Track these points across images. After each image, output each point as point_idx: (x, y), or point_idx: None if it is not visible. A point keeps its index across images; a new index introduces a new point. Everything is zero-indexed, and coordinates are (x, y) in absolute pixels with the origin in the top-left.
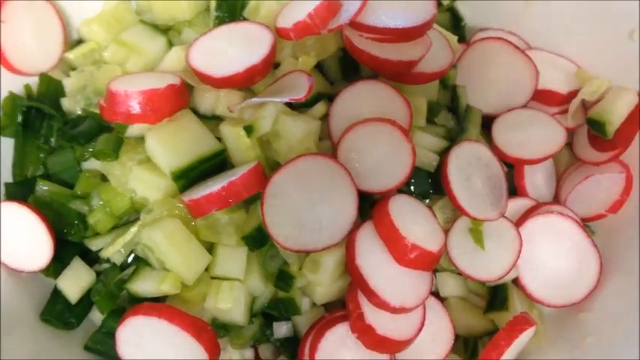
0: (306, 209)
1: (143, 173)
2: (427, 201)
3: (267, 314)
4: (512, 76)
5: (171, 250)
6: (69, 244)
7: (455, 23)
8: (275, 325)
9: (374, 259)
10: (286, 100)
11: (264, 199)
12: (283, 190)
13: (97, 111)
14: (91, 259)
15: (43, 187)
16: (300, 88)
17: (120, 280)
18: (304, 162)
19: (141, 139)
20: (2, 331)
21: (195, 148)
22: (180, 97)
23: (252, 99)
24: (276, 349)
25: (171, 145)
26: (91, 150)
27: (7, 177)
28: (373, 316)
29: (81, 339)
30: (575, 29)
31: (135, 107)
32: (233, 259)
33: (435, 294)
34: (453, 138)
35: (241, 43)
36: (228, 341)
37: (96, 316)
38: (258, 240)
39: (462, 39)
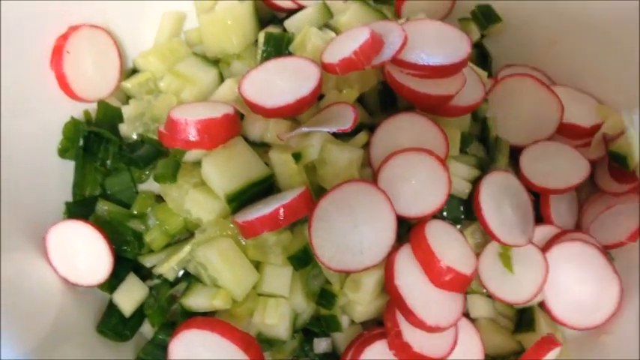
0: (350, 232)
1: (198, 195)
2: (459, 226)
3: (306, 330)
4: (539, 110)
5: (224, 268)
6: (123, 261)
7: (482, 59)
8: (315, 341)
9: (411, 280)
10: (334, 130)
11: (311, 222)
12: (329, 214)
13: (155, 137)
14: (143, 274)
15: (103, 207)
16: (346, 119)
17: (171, 296)
18: (348, 188)
19: (197, 164)
20: (60, 340)
21: (246, 173)
22: (233, 126)
23: (302, 128)
24: None
25: (225, 170)
26: (148, 173)
27: (67, 197)
28: (410, 334)
29: (131, 350)
30: (597, 66)
31: (193, 134)
32: (279, 277)
33: (466, 315)
34: (483, 167)
35: (291, 76)
36: (269, 355)
37: (146, 329)
38: (303, 260)
39: (488, 74)
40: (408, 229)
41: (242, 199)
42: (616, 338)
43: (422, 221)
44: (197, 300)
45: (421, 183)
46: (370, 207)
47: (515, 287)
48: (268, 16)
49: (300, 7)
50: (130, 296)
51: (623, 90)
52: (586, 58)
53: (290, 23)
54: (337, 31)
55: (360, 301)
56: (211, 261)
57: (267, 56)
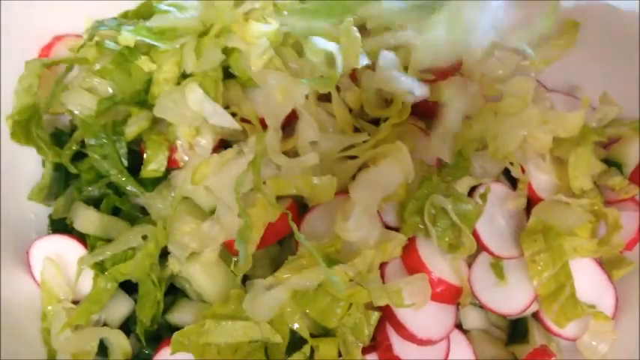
0: None
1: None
2: None
3: None
4: None
5: (208, 283)
6: None
7: None
8: None
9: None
10: None
11: None
12: (315, 227)
13: None
14: (130, 287)
15: None
16: None
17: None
18: (336, 200)
19: None
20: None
21: None
22: None
23: None
24: None
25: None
26: None
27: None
28: (401, 347)
29: None
30: (596, 67)
31: None
32: None
33: (458, 326)
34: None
35: None
36: None
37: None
38: None
39: None
40: None
41: None
42: (612, 349)
43: None
44: (182, 316)
45: None
46: None
47: (508, 298)
48: None
49: None
50: (115, 310)
51: (622, 92)
52: (585, 58)
53: None
54: None
55: None
56: (195, 276)
57: None
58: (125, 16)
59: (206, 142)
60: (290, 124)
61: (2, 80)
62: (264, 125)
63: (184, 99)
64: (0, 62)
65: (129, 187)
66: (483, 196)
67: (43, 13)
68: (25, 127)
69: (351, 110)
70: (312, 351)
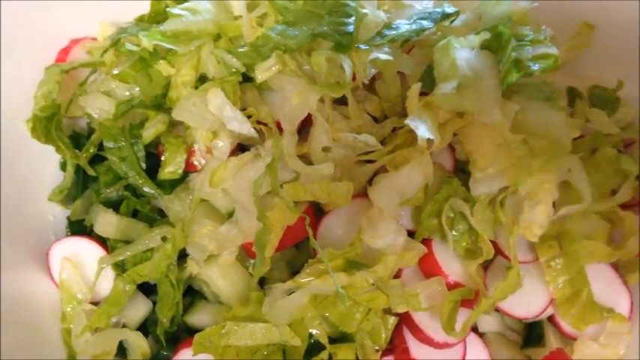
0: None
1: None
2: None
3: None
4: None
5: (225, 285)
6: None
7: None
8: None
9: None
10: None
11: (316, 239)
12: (333, 230)
13: None
14: (146, 289)
15: None
16: None
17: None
18: (353, 204)
19: None
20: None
21: None
22: None
23: None
24: None
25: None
26: None
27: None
28: (417, 350)
29: None
30: (596, 66)
31: None
32: None
33: (474, 329)
34: None
35: None
36: None
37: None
38: None
39: None
40: None
41: None
42: (626, 353)
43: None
44: (200, 317)
45: None
46: None
47: (523, 301)
48: None
49: None
50: (134, 311)
51: (622, 91)
52: (585, 58)
53: None
54: None
55: None
56: (213, 278)
57: None
58: (141, 19)
59: (224, 145)
60: (306, 128)
61: (22, 84)
62: (280, 128)
63: (204, 102)
64: (10, 65)
65: (147, 189)
66: (501, 203)
67: (60, 17)
68: (46, 125)
69: (376, 119)
70: (330, 356)
